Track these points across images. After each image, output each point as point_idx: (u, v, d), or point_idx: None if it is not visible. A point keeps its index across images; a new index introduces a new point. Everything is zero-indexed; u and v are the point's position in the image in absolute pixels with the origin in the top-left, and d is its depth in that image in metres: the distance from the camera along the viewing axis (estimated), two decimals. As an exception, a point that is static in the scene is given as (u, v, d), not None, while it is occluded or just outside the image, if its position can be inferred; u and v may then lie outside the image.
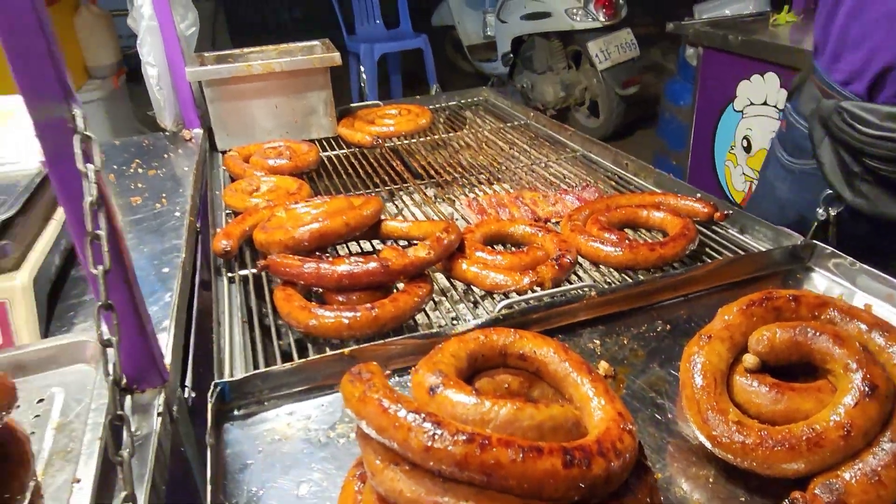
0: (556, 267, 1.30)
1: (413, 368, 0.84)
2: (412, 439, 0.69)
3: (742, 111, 3.23)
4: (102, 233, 0.79)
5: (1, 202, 1.22)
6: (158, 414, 0.95)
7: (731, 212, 1.53)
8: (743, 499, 0.85)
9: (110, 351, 0.76)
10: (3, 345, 1.09)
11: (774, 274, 1.35)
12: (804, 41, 3.01)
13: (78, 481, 0.79)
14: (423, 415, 0.70)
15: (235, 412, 1.06)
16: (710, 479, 0.89)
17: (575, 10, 5.16)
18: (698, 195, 1.61)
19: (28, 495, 0.72)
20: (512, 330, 0.92)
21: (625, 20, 5.29)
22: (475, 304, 1.38)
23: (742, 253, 1.42)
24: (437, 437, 0.68)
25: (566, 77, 5.59)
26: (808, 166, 1.62)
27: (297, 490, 0.91)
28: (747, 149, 3.27)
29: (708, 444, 0.88)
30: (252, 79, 2.25)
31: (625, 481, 0.73)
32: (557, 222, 1.60)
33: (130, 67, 5.89)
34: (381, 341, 1.13)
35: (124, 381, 0.97)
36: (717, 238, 1.50)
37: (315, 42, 2.57)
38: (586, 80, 5.48)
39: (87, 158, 0.81)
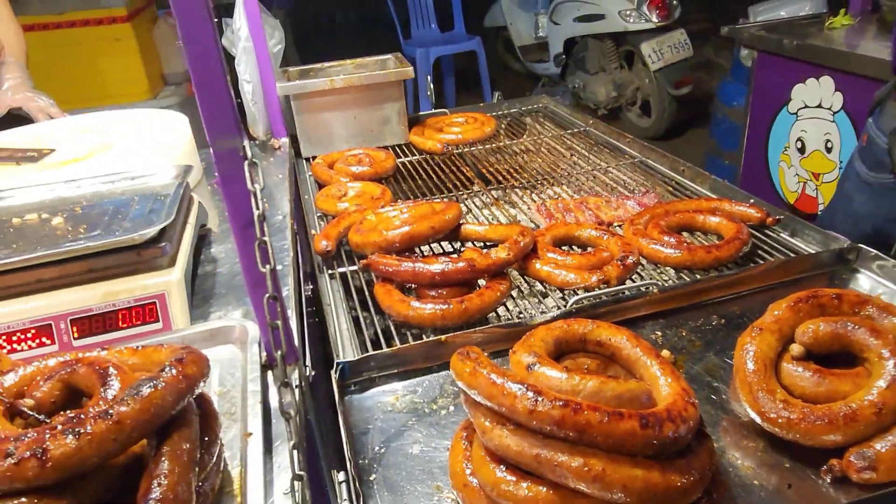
0: (621, 267, 1.47)
1: (511, 350, 1.03)
2: (518, 404, 0.88)
3: (796, 113, 3.30)
4: (268, 239, 1.00)
5: (151, 210, 1.47)
6: (296, 386, 1.17)
7: (782, 217, 1.66)
8: (787, 465, 1.01)
9: (277, 332, 0.97)
10: (163, 329, 1.33)
11: (822, 274, 1.48)
12: (860, 45, 3.06)
13: (250, 435, 1.01)
14: (525, 385, 0.89)
15: (352, 387, 1.27)
16: (759, 450, 1.05)
17: (628, 12, 5.25)
18: (752, 201, 1.74)
19: (219, 443, 0.94)
20: (590, 320, 1.10)
21: (678, 19, 5.35)
22: (544, 297, 1.55)
23: (793, 255, 1.56)
24: (538, 402, 0.87)
25: (618, 77, 5.68)
26: (888, 181, 1.72)
27: (411, 450, 1.11)
28: (801, 150, 3.34)
29: (757, 420, 1.04)
30: (333, 92, 2.47)
31: (689, 444, 0.90)
32: (620, 226, 1.76)
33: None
34: (471, 330, 1.32)
35: (265, 357, 1.20)
36: (769, 241, 1.64)
37: (388, 56, 2.78)
38: (639, 80, 5.56)
39: (254, 180, 1.02)
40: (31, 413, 0.89)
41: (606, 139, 2.47)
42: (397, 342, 1.38)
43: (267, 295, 0.98)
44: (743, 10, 4.29)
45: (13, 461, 0.74)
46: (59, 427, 0.77)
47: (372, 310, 1.52)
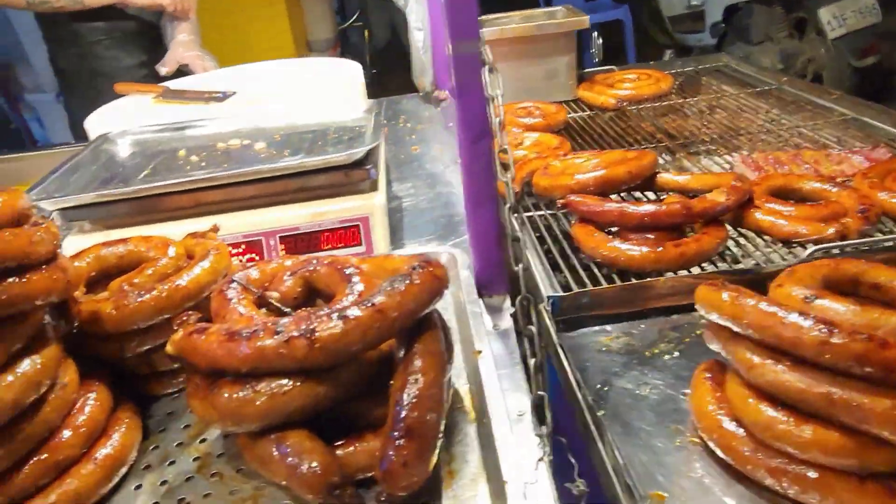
0: (863, 218, 1.29)
1: (776, 283, 0.90)
2: (805, 336, 0.76)
3: None
4: (508, 147, 0.94)
5: (350, 137, 1.47)
6: (511, 315, 1.11)
7: None
8: None
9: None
10: (365, 252, 1.32)
11: None
12: None
13: (479, 353, 0.96)
14: (811, 315, 0.77)
15: (559, 325, 1.20)
16: None
17: (805, -27, 4.76)
18: None
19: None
20: (863, 260, 0.95)
21: (863, -18, 4.78)
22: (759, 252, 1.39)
23: None
24: (834, 334, 0.74)
25: (787, 47, 5.18)
26: None
27: (638, 391, 1.01)
28: None
29: None
30: (502, 43, 2.39)
31: None
32: (844, 181, 1.56)
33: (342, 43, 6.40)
34: (695, 273, 1.21)
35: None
36: None
37: (557, 7, 2.67)
38: (811, 49, 5.03)
39: (494, 86, 0.96)
40: (276, 305, 0.89)
41: (806, 97, 2.22)
42: (603, 282, 1.29)
43: (508, 205, 0.93)
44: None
45: (283, 339, 0.72)
46: (325, 311, 0.75)
47: (569, 250, 1.43)
